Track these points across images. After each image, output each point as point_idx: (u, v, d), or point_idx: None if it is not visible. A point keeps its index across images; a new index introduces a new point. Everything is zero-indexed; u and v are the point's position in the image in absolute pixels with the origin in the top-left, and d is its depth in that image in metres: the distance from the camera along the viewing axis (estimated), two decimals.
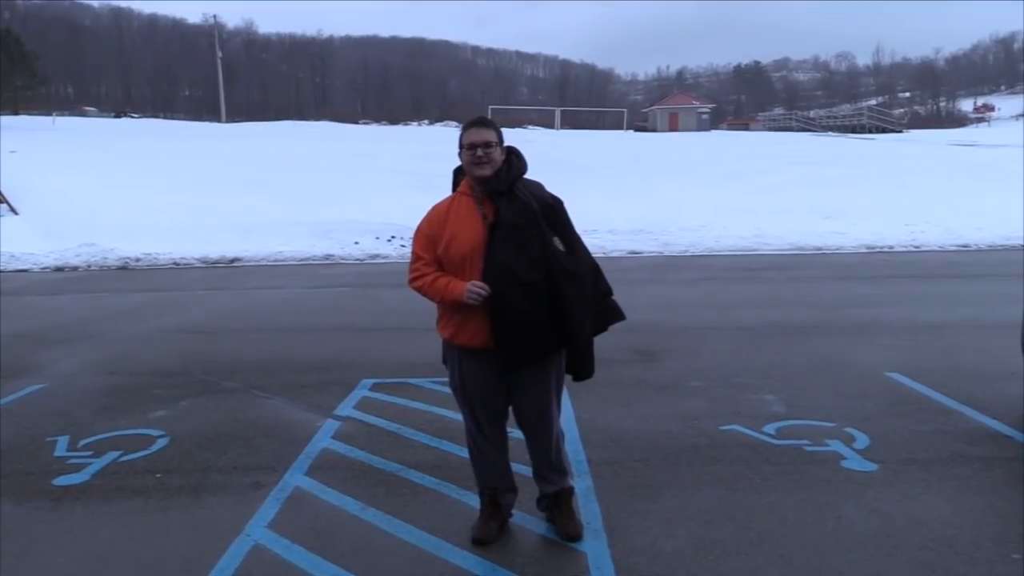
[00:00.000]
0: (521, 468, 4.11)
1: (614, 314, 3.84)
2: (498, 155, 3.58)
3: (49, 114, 52.81)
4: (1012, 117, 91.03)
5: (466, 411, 3.85)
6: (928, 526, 3.91)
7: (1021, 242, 15.37)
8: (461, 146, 3.60)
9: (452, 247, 3.57)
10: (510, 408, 3.87)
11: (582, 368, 3.72)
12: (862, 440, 5.08)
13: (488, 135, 3.57)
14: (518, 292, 3.48)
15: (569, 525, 3.86)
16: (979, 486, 4.39)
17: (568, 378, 3.86)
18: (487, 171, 3.54)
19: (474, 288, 3.47)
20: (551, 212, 3.62)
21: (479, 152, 3.53)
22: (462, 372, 3.75)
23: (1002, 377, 6.34)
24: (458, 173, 3.75)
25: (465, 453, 4.91)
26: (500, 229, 3.51)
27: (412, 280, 3.69)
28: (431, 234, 3.65)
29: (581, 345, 3.66)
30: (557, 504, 3.92)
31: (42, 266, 14.91)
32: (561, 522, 3.88)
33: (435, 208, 3.72)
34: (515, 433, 3.94)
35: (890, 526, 3.91)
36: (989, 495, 4.28)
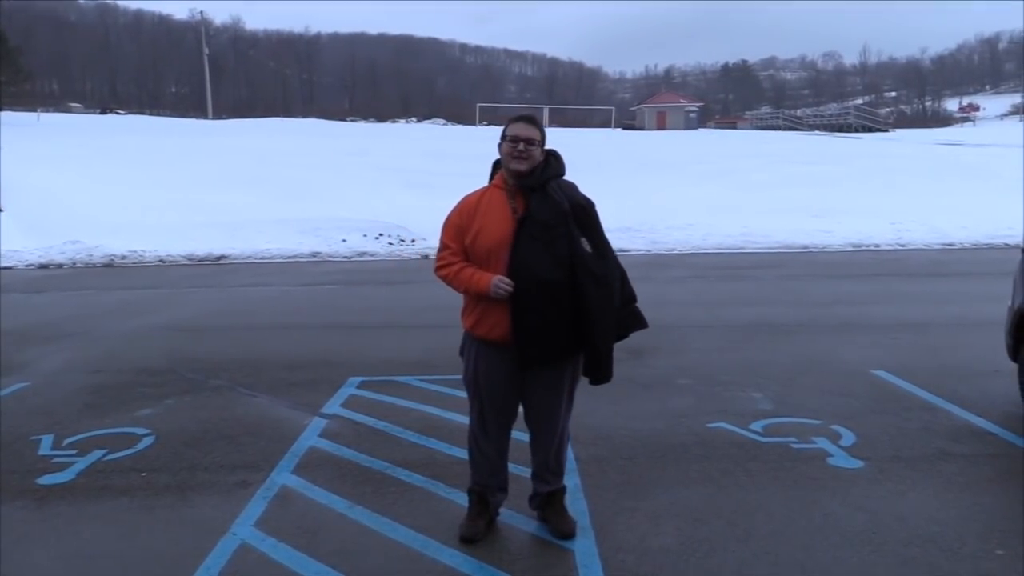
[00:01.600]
0: (515, 468, 4.10)
1: (637, 321, 3.82)
2: (538, 154, 3.62)
3: (34, 110, 52.38)
4: (997, 117, 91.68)
5: (474, 405, 3.84)
6: (913, 522, 3.93)
7: (1005, 241, 15.48)
8: (503, 137, 3.61)
9: (480, 239, 3.59)
10: (519, 411, 3.85)
11: (601, 372, 3.69)
12: (848, 437, 5.11)
13: (533, 132, 3.61)
14: (541, 290, 3.49)
15: (562, 523, 3.86)
16: (964, 483, 4.43)
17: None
18: (523, 166, 3.57)
19: (500, 283, 3.47)
20: (582, 213, 3.63)
21: (520, 146, 3.55)
22: (476, 363, 3.74)
23: (987, 375, 6.39)
24: (496, 166, 3.76)
25: (453, 451, 4.93)
26: (528, 225, 3.53)
27: (438, 268, 3.71)
28: (460, 224, 3.66)
29: (602, 349, 3.64)
30: (549, 503, 3.92)
31: (26, 263, 14.80)
32: (554, 521, 3.88)
33: (466, 198, 3.74)
34: (516, 435, 3.94)
35: (876, 523, 3.93)
36: (973, 492, 4.31)
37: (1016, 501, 4.19)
